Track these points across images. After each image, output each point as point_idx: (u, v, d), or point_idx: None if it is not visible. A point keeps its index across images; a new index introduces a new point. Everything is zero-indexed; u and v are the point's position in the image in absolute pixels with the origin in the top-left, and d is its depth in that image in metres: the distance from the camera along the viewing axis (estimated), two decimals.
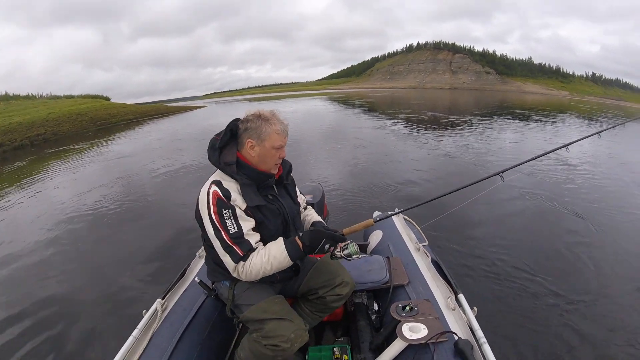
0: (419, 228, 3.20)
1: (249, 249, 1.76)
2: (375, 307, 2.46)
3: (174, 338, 1.90)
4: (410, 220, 3.36)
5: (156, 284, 4.17)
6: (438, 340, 1.82)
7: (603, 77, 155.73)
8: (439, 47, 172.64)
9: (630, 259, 5.01)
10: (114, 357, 1.73)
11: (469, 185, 2.84)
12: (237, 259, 1.74)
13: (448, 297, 2.18)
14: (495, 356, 1.80)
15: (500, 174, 2.72)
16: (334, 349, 2.15)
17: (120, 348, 1.77)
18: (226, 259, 1.76)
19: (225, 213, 1.74)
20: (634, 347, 3.45)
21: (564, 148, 3.26)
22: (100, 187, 8.90)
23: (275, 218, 1.91)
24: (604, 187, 8.35)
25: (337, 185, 7.85)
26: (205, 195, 1.77)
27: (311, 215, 2.31)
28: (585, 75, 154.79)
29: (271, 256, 1.77)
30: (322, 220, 2.28)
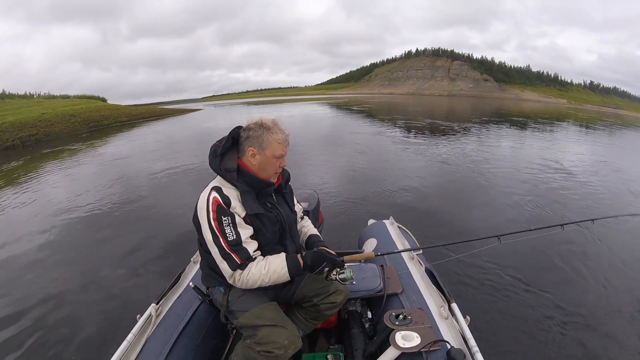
0: (413, 237, 3.24)
1: (247, 258, 1.78)
2: (369, 315, 2.46)
3: (168, 343, 1.90)
4: (405, 229, 3.39)
5: (151, 288, 4.16)
6: (431, 349, 1.83)
7: (601, 86, 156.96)
8: (437, 54, 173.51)
9: (625, 269, 5.05)
10: None
11: (469, 240, 2.79)
12: (234, 267, 1.76)
13: (441, 306, 2.19)
14: None
15: (499, 237, 2.66)
16: (328, 356, 2.17)
17: (114, 353, 1.77)
18: (223, 265, 1.77)
19: (225, 220, 1.75)
20: (629, 357, 3.48)
21: (560, 227, 3.13)
22: (96, 189, 8.86)
23: (273, 226, 1.92)
24: (599, 194, 8.43)
25: (333, 191, 7.87)
26: (205, 201, 1.78)
27: (308, 227, 2.34)
28: (583, 84, 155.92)
29: (271, 269, 1.80)
30: (318, 235, 2.31)
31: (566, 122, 35.62)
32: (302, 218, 2.37)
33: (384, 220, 3.60)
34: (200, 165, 10.46)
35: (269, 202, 1.95)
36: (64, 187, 9.64)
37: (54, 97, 45.56)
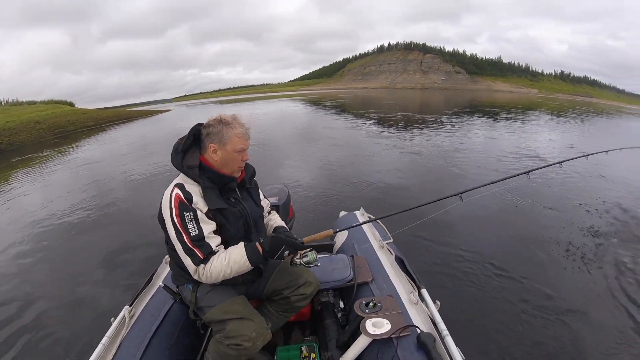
0: (383, 226, 3.26)
1: (209, 252, 1.78)
2: (342, 305, 2.50)
3: (142, 344, 1.90)
4: (376, 219, 3.39)
5: (126, 291, 4.13)
6: (401, 334, 1.86)
7: (572, 75, 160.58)
8: (409, 48, 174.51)
9: (589, 255, 5.24)
10: None
11: (431, 202, 2.92)
12: (197, 262, 1.76)
13: (411, 292, 2.22)
14: (459, 348, 1.84)
15: (460, 195, 2.79)
16: (302, 347, 2.18)
17: (90, 356, 1.77)
18: (187, 261, 1.77)
19: (187, 216, 1.76)
20: (592, 336, 3.63)
21: (526, 175, 3.41)
22: (69, 194, 8.71)
23: (237, 221, 1.93)
24: (571, 182, 8.68)
25: (307, 185, 7.94)
26: (167, 198, 1.79)
27: (274, 220, 2.35)
28: (554, 74, 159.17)
29: (231, 260, 1.80)
30: (284, 226, 2.33)
31: (538, 111, 36.28)
32: (269, 212, 2.38)
33: (354, 212, 3.63)
34: (172, 167, 10.32)
35: (233, 197, 1.96)
36: (36, 194, 9.45)
37: (20, 103, 44.36)
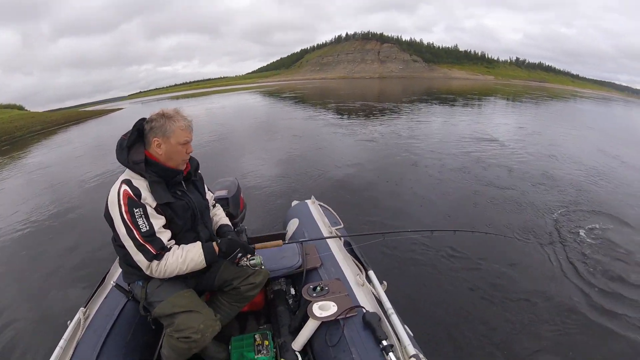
0: (334, 212, 3.37)
1: (161, 247, 1.80)
2: (292, 291, 2.58)
3: (97, 344, 1.91)
4: (326, 206, 3.53)
5: (83, 293, 4.09)
6: (347, 315, 1.93)
7: (527, 62, 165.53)
8: (367, 38, 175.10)
9: (541, 234, 5.50)
10: None
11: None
12: (150, 257, 1.77)
13: (357, 275, 2.30)
14: (405, 325, 1.93)
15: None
16: (255, 336, 2.22)
17: None
18: (139, 257, 1.78)
19: (137, 212, 1.76)
20: (530, 307, 3.88)
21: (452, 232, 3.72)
22: (23, 200, 8.40)
23: (184, 213, 1.95)
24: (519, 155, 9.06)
25: (261, 177, 8.01)
26: (115, 194, 1.78)
27: (219, 217, 2.40)
28: (509, 61, 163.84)
29: (188, 258, 1.84)
30: (229, 224, 2.38)
31: (494, 97, 37.54)
32: (214, 206, 2.41)
33: (306, 200, 3.70)
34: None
35: (179, 190, 1.98)
36: None
37: None
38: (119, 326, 2.09)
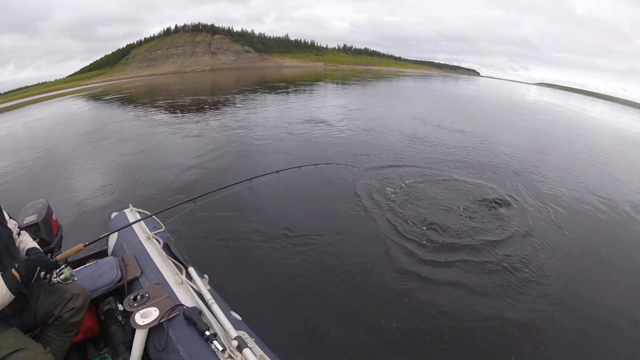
0: (154, 217, 3.37)
1: None
2: (120, 307, 2.51)
3: None
4: (145, 212, 3.52)
5: None
6: (170, 316, 2.01)
7: (354, 48, 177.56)
8: (197, 29, 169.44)
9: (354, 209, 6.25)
10: None
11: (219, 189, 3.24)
12: None
13: (176, 274, 2.42)
14: (233, 312, 2.09)
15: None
16: None
17: None
18: None
19: None
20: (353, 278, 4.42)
21: (249, 181, 3.91)
22: None
23: None
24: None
25: (78, 191, 7.56)
26: None
27: (25, 242, 2.29)
28: (337, 47, 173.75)
29: None
30: (36, 247, 2.28)
31: (324, 81, 40.05)
32: (18, 234, 2.29)
33: (124, 210, 3.64)
34: None
35: None
36: None
37: None
38: None
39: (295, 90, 29.12)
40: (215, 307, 2.05)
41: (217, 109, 18.70)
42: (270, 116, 15.81)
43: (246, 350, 1.78)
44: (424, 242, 5.34)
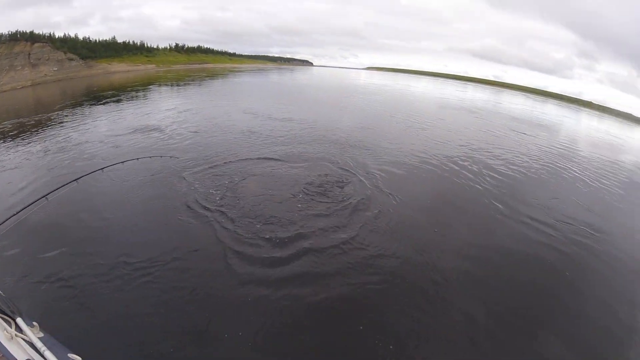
0: None
1: None
2: None
3: None
4: None
5: None
6: None
7: (186, 46, 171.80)
8: (15, 39, 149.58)
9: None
10: None
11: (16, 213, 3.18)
12: None
13: (4, 330, 2.24)
14: (71, 354, 2.07)
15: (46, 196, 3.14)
16: None
17: None
18: None
19: None
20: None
21: (74, 181, 4.15)
22: None
23: None
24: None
25: None
26: None
27: None
28: (169, 47, 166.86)
29: None
30: None
31: (157, 85, 38.99)
32: None
33: None
34: None
35: None
36: None
37: None
38: None
39: (125, 98, 28.00)
40: (48, 354, 1.99)
41: (40, 131, 17.26)
42: (100, 130, 15.56)
43: None
44: (261, 242, 5.44)
